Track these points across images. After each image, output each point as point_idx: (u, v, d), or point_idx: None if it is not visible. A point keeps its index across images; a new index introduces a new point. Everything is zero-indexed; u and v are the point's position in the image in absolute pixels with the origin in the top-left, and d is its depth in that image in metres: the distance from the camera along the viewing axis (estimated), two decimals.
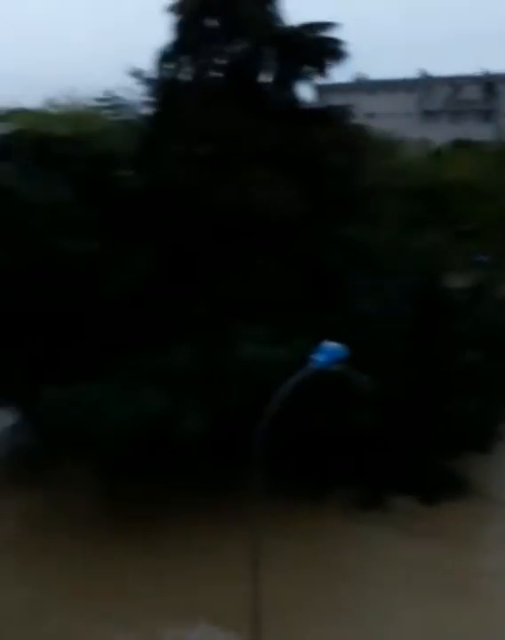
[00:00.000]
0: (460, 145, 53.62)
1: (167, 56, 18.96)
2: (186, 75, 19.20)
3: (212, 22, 18.59)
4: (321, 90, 23.77)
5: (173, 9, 18.40)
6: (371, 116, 67.49)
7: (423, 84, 78.06)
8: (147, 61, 19.30)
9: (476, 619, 13.02)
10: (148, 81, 19.74)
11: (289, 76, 18.51)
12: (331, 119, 18.17)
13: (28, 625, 12.65)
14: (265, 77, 18.63)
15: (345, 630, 12.64)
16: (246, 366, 13.46)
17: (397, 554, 15.09)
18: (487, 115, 73.18)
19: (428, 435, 17.17)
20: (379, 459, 16.78)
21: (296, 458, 15.38)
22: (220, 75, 19.21)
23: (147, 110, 20.58)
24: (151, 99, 19.89)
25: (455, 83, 76.79)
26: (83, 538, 15.11)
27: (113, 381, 13.87)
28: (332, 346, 9.70)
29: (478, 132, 65.65)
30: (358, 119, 24.08)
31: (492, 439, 17.65)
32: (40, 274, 15.50)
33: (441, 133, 69.23)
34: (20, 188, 17.12)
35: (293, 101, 18.59)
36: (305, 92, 19.78)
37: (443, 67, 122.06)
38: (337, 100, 26.37)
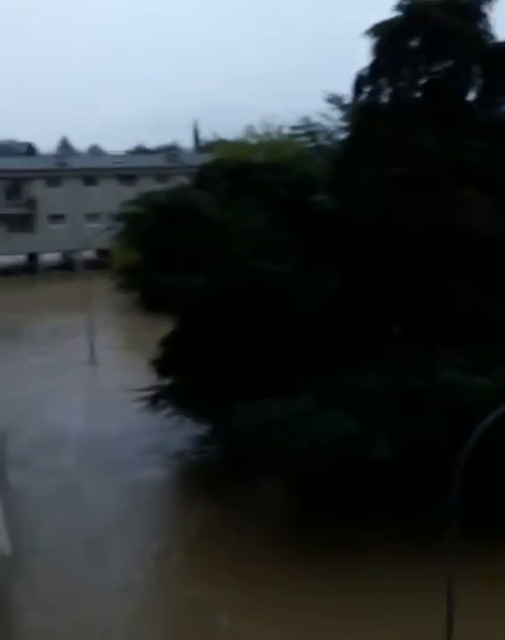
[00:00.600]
0: None
1: (365, 79, 18.82)
2: (385, 97, 18.93)
3: (414, 41, 18.18)
4: None
5: (373, 31, 18.25)
6: None
7: None
8: (347, 87, 19.38)
9: None
10: (345, 106, 19.72)
11: (497, 92, 17.59)
12: None
13: None
14: (471, 95, 17.88)
15: None
16: (444, 393, 12.64)
17: None
18: None
19: None
20: None
21: (498, 495, 14.11)
22: (420, 95, 18.74)
23: (343, 135, 20.56)
24: (348, 123, 19.82)
25: None
26: (271, 549, 15.04)
27: (304, 401, 13.71)
28: None
29: None
30: None
31: None
32: (237, 295, 15.84)
33: None
34: (219, 215, 17.73)
35: (502, 119, 17.59)
36: None
37: None
38: None
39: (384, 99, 18.86)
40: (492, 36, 18.13)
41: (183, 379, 18.74)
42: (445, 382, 12.75)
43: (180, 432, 20.60)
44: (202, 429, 19.75)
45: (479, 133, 16.11)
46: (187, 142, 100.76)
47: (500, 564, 14.12)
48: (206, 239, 17.00)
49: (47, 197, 59.59)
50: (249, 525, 16.28)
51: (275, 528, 16.29)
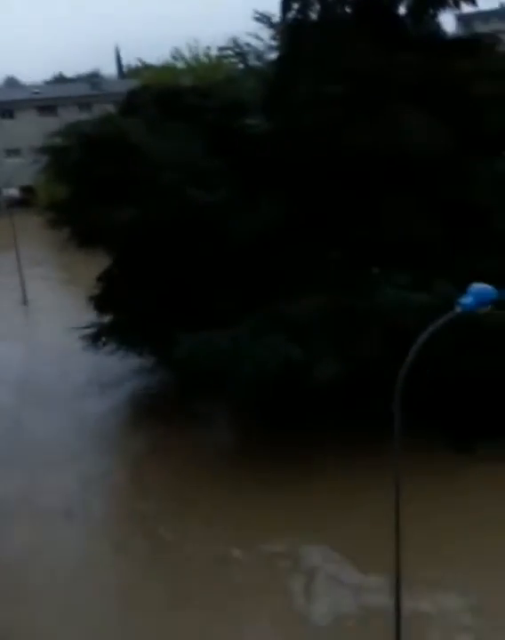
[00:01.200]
0: None
1: None
2: (314, 14, 18.21)
3: None
4: (464, 19, 21.94)
5: None
6: None
7: None
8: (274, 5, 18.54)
9: None
10: (274, 24, 18.93)
11: (428, 5, 17.04)
12: (476, 49, 16.61)
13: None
14: (401, 9, 17.31)
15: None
16: (385, 312, 12.77)
17: None
18: None
19: None
20: None
21: (438, 407, 14.65)
22: (350, 10, 18.09)
23: (274, 55, 19.84)
24: (278, 42, 19.09)
25: None
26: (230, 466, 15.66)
27: (246, 328, 13.71)
28: (480, 287, 8.84)
29: None
30: None
31: None
32: (172, 226, 15.41)
33: None
34: (149, 142, 17.04)
35: (434, 32, 17.18)
36: (447, 22, 18.29)
37: None
38: (482, 29, 24.32)
39: (314, 15, 18.16)
40: None
41: (123, 314, 18.42)
42: (385, 301, 12.84)
43: (123, 366, 20.52)
44: (145, 362, 19.74)
45: (411, 48, 15.67)
46: (110, 69, 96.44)
47: (437, 460, 15.03)
48: (137, 169, 16.37)
49: None
50: (192, 447, 16.73)
51: (219, 450, 16.80)
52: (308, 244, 15.12)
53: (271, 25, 33.45)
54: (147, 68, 60.28)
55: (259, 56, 39.06)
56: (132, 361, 19.98)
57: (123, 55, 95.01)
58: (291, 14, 18.35)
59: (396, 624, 9.93)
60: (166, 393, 19.29)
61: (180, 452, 16.56)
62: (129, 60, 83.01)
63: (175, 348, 13.62)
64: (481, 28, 28.23)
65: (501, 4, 72.34)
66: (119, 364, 20.38)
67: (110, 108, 30.73)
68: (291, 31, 18.83)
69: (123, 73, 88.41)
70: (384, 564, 10.58)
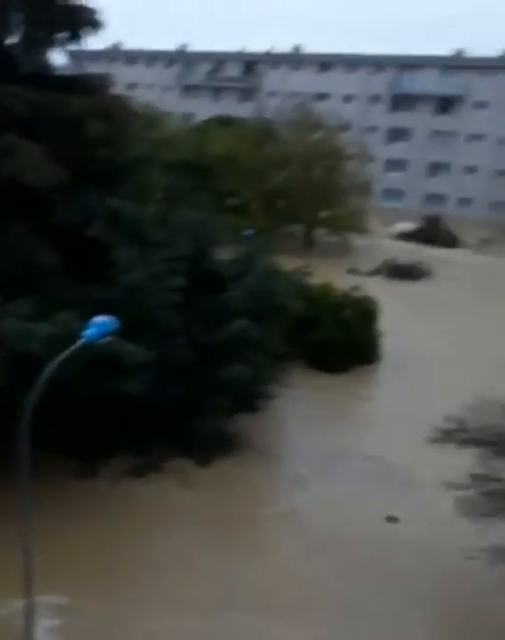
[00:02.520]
0: (222, 121, 55.10)
1: None
2: None
3: None
4: (77, 57, 22.83)
5: None
6: (132, 86, 67.08)
7: (183, 59, 78.82)
8: None
9: (248, 558, 14.35)
10: None
11: (39, 41, 17.45)
12: (89, 87, 17.57)
13: None
14: (12, 41, 17.40)
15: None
16: (9, 342, 12.80)
17: (174, 510, 15.88)
18: (247, 93, 75.84)
19: (203, 400, 17.78)
20: (153, 427, 17.12)
21: (67, 431, 15.24)
22: None
23: None
24: None
25: (216, 59, 78.51)
26: None
27: None
28: (102, 319, 9.75)
29: (238, 109, 67.94)
30: (119, 89, 23.64)
31: (262, 399, 18.83)
32: None
33: (201, 109, 70.73)
34: None
35: (45, 67, 17.68)
36: (59, 58, 18.86)
37: (203, 43, 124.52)
38: (95, 69, 25.68)
39: None
40: None
41: None
42: (9, 331, 12.86)
43: None
44: None
45: (22, 81, 15.90)
46: None
47: (60, 485, 15.61)
48: None
49: None
50: None
51: None
52: None
53: None
54: None
55: None
56: None
57: None
58: None
59: None
60: None
61: None
62: None
63: None
64: (93, 67, 29.93)
65: (114, 45, 77.40)
66: None
67: None
68: None
69: None
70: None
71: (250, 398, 18.61)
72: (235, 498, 16.62)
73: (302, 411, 21.41)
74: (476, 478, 12.93)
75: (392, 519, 16.03)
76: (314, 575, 14.10)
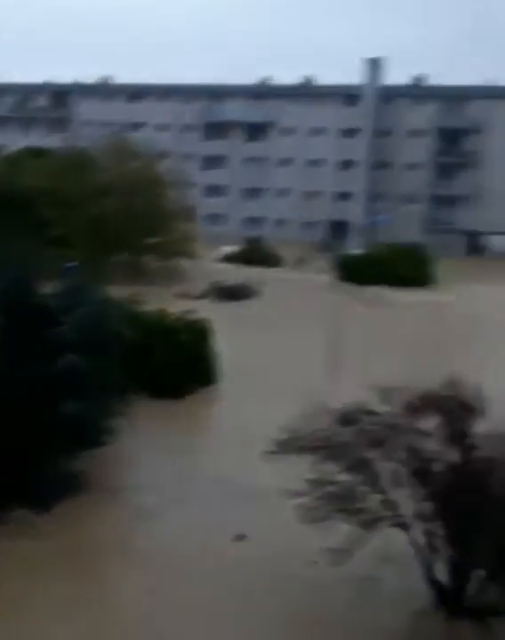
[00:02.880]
0: (32, 152, 53.49)
1: None
2: None
3: None
4: None
5: None
6: None
7: None
8: None
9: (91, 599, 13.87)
10: None
11: None
12: None
13: None
14: None
15: None
16: None
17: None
18: (57, 123, 74.29)
19: (40, 442, 16.84)
20: None
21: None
22: None
23: None
24: None
25: (23, 90, 76.34)
26: None
27: None
28: None
29: (49, 140, 66.22)
30: None
31: (106, 434, 18.19)
32: None
33: (10, 141, 68.21)
34: None
35: None
36: None
37: (6, 74, 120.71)
38: None
39: None
40: None
41: None
42: None
43: None
44: None
45: None
46: None
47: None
48: None
49: None
50: None
51: None
52: None
53: None
54: None
55: None
56: None
57: None
58: None
59: None
60: None
61: None
62: None
63: None
64: None
65: None
66: None
67: None
68: None
69: None
70: None
71: (93, 434, 17.92)
72: (78, 540, 15.79)
73: (148, 440, 20.98)
74: (311, 484, 13.24)
75: (240, 537, 16.02)
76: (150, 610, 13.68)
